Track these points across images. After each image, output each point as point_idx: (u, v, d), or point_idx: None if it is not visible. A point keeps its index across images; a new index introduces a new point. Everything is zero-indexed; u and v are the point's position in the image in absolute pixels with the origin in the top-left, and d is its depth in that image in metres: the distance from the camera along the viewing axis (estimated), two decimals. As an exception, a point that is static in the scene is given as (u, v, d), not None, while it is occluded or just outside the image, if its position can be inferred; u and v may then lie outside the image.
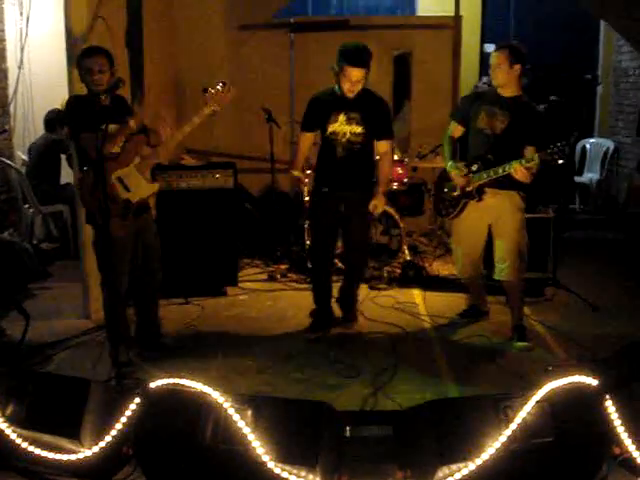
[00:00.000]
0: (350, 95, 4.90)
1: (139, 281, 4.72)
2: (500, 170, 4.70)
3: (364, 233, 5.38)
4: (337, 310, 5.50)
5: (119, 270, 4.45)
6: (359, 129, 4.99)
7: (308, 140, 5.22)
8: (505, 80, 4.77)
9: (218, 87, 4.43)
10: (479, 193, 4.88)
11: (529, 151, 4.69)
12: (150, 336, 4.90)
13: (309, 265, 5.83)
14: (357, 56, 4.83)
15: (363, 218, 5.20)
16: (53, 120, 7.38)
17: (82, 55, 4.36)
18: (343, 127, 4.98)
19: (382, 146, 5.17)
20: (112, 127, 4.18)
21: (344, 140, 4.99)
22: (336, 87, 4.97)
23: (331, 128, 5.00)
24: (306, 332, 5.28)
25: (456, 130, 5.12)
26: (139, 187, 4.47)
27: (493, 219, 4.95)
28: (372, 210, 5.10)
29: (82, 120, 4.27)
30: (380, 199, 5.09)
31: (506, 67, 4.72)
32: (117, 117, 4.33)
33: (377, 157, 5.31)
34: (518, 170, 4.59)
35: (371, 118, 5.01)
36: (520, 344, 4.92)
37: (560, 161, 4.42)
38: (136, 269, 4.63)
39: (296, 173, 5.43)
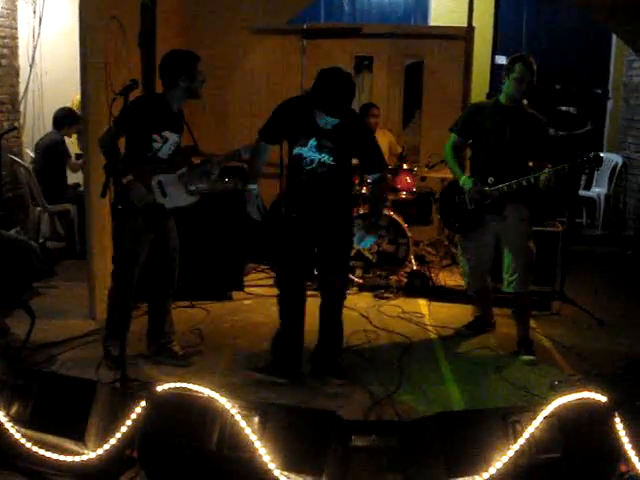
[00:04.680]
0: (325, 127, 4.14)
1: (159, 280, 4.69)
2: (524, 182, 4.67)
3: (340, 258, 4.46)
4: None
5: (135, 261, 4.43)
6: (329, 160, 4.19)
7: (266, 152, 4.44)
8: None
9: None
10: (501, 206, 4.85)
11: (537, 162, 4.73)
12: (160, 337, 4.78)
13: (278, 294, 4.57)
14: (334, 107, 4.00)
15: (340, 241, 4.41)
16: (62, 118, 7.28)
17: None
18: (311, 154, 4.20)
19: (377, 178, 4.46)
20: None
21: (309, 168, 4.21)
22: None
23: (298, 150, 4.24)
24: (259, 370, 4.47)
25: (458, 143, 5.09)
26: (178, 196, 4.48)
27: (500, 231, 4.92)
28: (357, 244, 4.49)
29: (153, 120, 4.37)
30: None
31: (532, 79, 4.71)
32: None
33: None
34: (551, 179, 4.56)
35: (349, 149, 4.27)
36: (526, 357, 4.90)
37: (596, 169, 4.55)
38: (156, 269, 4.64)
39: (253, 187, 4.33)
